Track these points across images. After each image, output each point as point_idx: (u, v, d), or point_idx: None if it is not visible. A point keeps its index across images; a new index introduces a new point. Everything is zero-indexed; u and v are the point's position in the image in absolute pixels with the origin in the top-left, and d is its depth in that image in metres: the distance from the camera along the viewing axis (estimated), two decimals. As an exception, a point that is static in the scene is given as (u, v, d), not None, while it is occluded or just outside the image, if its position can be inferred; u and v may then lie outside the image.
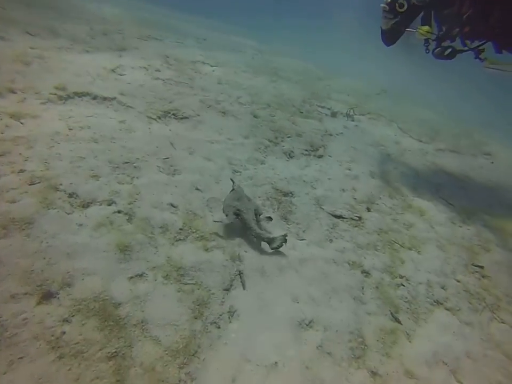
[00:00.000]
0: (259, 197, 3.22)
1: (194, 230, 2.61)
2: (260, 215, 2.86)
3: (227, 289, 2.27)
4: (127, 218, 2.53)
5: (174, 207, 2.77)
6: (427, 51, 4.16)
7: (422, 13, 4.28)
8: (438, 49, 4.04)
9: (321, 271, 2.61)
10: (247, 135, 4.30)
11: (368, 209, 3.51)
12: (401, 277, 2.76)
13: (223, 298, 2.21)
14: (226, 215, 2.69)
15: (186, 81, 5.30)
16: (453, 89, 11.29)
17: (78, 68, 4.49)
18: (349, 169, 4.12)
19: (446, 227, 3.58)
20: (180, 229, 2.59)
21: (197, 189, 3.09)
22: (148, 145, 3.49)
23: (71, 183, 2.62)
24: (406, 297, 2.58)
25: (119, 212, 2.54)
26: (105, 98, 4.08)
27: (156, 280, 2.16)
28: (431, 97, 9.94)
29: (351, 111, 5.97)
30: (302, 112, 5.57)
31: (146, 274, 2.17)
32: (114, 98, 4.14)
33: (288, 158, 4.09)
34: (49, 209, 2.35)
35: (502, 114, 10.02)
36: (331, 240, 2.95)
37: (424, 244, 3.23)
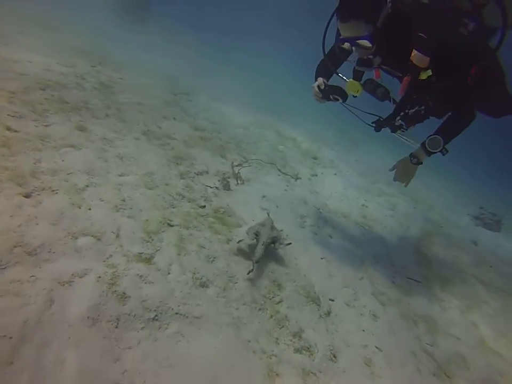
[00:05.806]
0: None
1: None
2: (276, 243, 3.05)
3: None
4: None
5: None
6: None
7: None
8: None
9: None
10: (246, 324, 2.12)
11: (434, 375, 2.76)
12: None
13: None
14: (247, 234, 2.99)
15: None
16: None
17: None
18: (374, 315, 2.99)
19: (456, 326, 3.41)
20: None
21: None
22: None
23: None
24: None
25: None
26: None
27: None
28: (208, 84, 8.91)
29: (236, 171, 4.30)
30: (204, 206, 3.43)
31: None
32: None
33: (334, 360, 2.42)
34: None
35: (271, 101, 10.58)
36: None
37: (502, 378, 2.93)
